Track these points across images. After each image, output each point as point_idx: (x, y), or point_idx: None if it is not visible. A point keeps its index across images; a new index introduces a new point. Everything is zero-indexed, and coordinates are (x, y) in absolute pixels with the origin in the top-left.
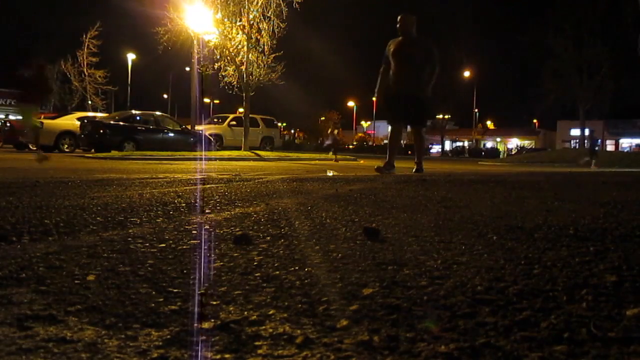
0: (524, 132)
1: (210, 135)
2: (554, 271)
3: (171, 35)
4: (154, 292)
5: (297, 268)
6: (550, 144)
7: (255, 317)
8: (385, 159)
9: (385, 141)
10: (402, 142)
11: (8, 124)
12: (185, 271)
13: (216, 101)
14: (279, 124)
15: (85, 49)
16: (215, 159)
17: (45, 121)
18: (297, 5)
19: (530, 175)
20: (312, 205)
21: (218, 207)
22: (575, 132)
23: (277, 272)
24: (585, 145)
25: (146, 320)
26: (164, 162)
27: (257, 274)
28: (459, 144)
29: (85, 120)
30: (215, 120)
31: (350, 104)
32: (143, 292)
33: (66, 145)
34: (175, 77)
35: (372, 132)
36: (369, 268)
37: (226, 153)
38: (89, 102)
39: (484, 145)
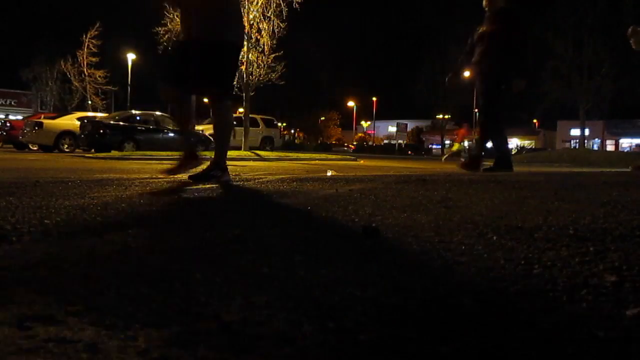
0: (524, 132)
1: (210, 135)
2: (554, 271)
3: (171, 35)
4: (154, 292)
5: (297, 268)
6: (550, 144)
7: (255, 317)
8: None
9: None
10: (402, 141)
11: (8, 124)
12: (185, 271)
13: None
14: (279, 124)
15: (85, 49)
16: None
17: (45, 121)
18: (297, 5)
19: (530, 175)
20: (312, 205)
21: (218, 207)
22: (575, 132)
23: (277, 272)
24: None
25: (146, 320)
26: (164, 162)
27: (257, 274)
28: None
29: (85, 120)
30: None
31: (350, 104)
32: (143, 292)
33: (66, 145)
34: None
35: (372, 132)
36: (369, 268)
37: None
38: (89, 102)
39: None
